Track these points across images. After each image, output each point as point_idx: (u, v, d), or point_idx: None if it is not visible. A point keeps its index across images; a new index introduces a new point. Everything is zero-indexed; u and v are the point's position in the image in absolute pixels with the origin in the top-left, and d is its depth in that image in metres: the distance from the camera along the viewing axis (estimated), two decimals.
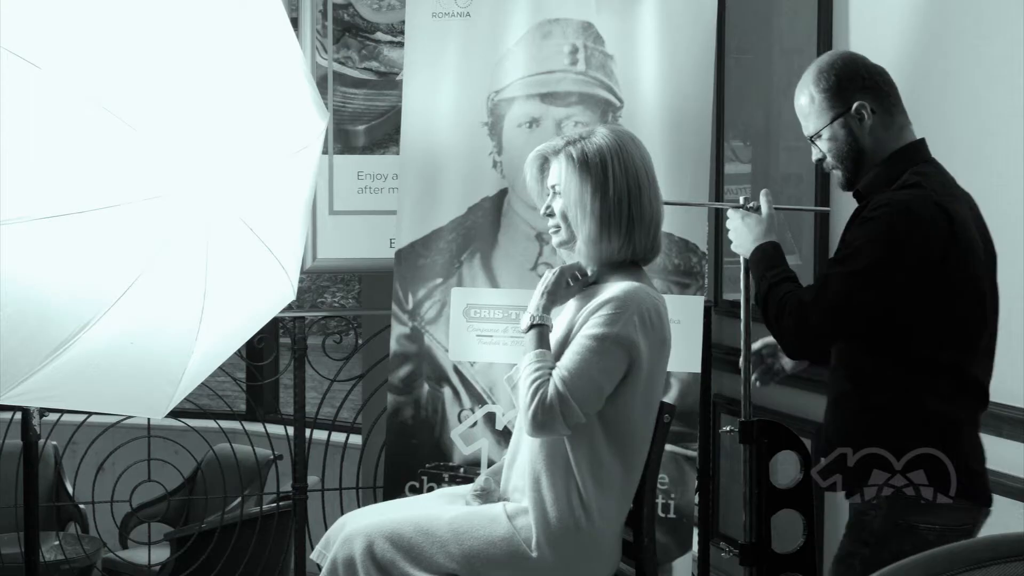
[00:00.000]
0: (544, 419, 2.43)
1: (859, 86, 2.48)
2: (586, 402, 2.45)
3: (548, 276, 2.62)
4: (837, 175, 2.54)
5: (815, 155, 2.56)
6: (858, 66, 2.51)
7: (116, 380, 2.55)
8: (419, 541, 2.50)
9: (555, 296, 2.60)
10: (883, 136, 2.47)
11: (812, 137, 2.52)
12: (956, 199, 2.40)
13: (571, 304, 2.64)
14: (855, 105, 2.45)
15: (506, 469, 2.69)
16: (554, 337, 2.59)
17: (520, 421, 2.63)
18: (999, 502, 2.62)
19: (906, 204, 2.34)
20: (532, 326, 2.55)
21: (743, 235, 2.65)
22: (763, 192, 2.67)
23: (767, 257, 2.58)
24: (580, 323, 2.52)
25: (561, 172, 2.58)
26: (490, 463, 3.46)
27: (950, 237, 2.33)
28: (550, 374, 2.46)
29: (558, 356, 2.52)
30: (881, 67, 2.52)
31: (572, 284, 2.62)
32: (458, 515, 2.56)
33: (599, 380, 2.46)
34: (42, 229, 2.23)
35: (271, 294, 2.81)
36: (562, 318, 2.64)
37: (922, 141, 2.49)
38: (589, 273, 2.62)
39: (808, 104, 2.51)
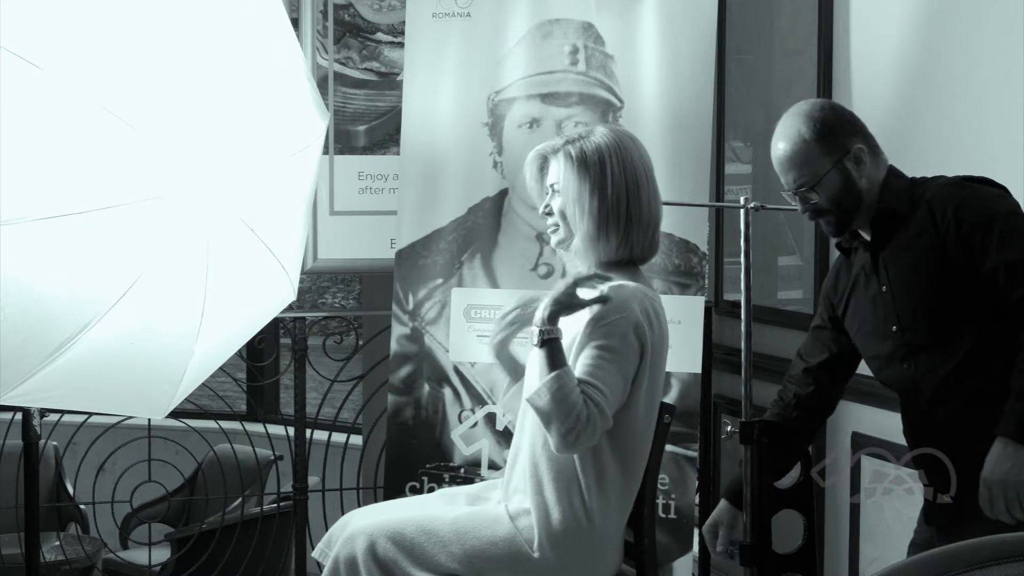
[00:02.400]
0: (586, 438, 2.39)
1: (851, 130, 2.47)
2: (615, 407, 2.45)
3: (560, 285, 2.49)
4: (827, 223, 2.49)
5: (806, 205, 2.48)
6: (844, 111, 2.52)
7: (117, 381, 2.55)
8: (421, 541, 2.50)
9: (566, 307, 2.46)
10: (874, 175, 2.46)
11: (808, 186, 2.45)
12: None
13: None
14: (854, 148, 2.44)
15: (507, 470, 2.69)
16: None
17: (525, 437, 2.60)
18: None
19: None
20: (544, 342, 2.43)
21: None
22: None
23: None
24: (586, 331, 2.49)
25: (560, 171, 2.58)
26: (491, 464, 3.46)
27: None
28: (581, 391, 2.40)
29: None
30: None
31: (586, 294, 2.49)
32: (460, 515, 2.56)
33: (623, 384, 2.46)
34: (42, 229, 2.23)
35: (272, 295, 2.81)
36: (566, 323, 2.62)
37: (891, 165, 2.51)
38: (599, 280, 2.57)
39: (800, 152, 2.45)
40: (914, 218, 2.41)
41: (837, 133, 2.45)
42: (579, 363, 2.46)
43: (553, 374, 2.39)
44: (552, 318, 2.44)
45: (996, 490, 2.26)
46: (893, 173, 2.49)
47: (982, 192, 2.39)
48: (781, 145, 2.48)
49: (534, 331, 2.45)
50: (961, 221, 2.33)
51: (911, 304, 2.43)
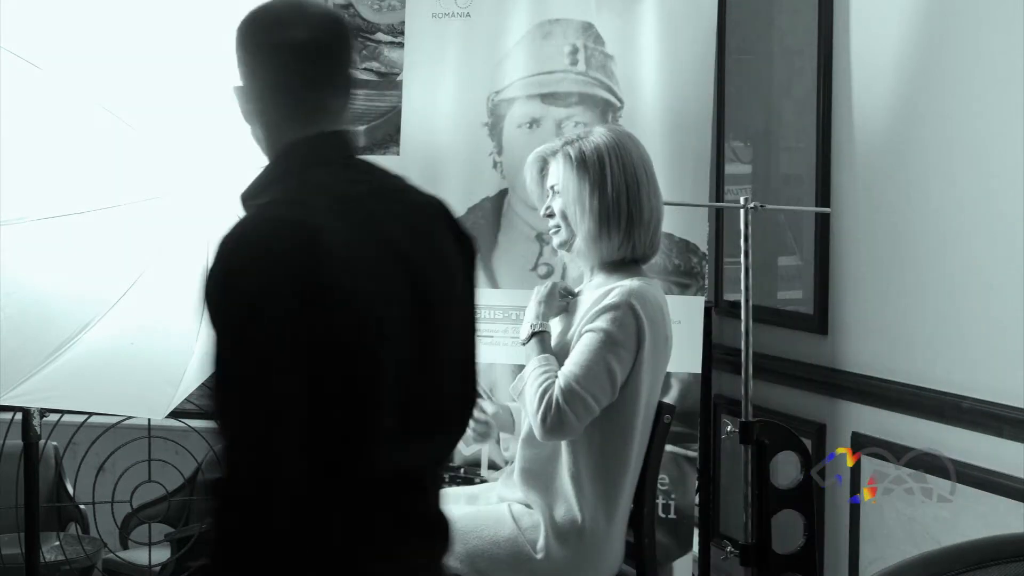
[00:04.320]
0: (554, 421, 2.43)
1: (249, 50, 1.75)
2: (601, 394, 2.46)
3: (542, 288, 2.65)
4: None
5: None
6: (256, 24, 1.78)
7: (117, 381, 2.56)
8: None
9: (550, 305, 2.63)
10: (276, 132, 1.75)
11: None
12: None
13: (576, 303, 2.65)
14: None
15: (505, 475, 2.69)
16: (557, 337, 2.60)
17: (527, 427, 2.62)
18: (999, 502, 2.62)
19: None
20: (533, 334, 2.57)
21: None
22: None
23: None
24: (587, 320, 2.51)
25: (559, 172, 2.59)
26: (491, 464, 3.45)
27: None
28: (555, 376, 2.45)
29: (562, 355, 2.52)
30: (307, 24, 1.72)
31: (562, 298, 2.66)
32: (463, 515, 2.56)
33: (610, 372, 2.47)
34: (43, 229, 2.24)
35: None
36: (564, 317, 2.64)
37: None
38: (590, 272, 2.64)
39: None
40: None
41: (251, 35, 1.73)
42: (575, 347, 2.51)
43: (534, 360, 2.52)
44: (544, 316, 2.58)
45: None
46: (309, 153, 1.67)
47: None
48: None
49: (524, 327, 2.58)
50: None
51: None
